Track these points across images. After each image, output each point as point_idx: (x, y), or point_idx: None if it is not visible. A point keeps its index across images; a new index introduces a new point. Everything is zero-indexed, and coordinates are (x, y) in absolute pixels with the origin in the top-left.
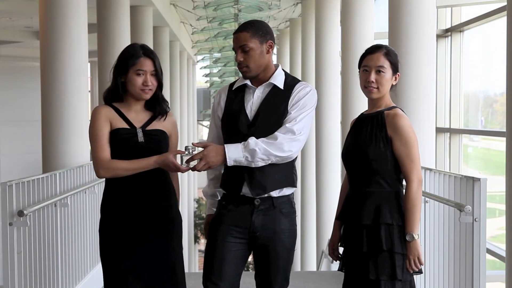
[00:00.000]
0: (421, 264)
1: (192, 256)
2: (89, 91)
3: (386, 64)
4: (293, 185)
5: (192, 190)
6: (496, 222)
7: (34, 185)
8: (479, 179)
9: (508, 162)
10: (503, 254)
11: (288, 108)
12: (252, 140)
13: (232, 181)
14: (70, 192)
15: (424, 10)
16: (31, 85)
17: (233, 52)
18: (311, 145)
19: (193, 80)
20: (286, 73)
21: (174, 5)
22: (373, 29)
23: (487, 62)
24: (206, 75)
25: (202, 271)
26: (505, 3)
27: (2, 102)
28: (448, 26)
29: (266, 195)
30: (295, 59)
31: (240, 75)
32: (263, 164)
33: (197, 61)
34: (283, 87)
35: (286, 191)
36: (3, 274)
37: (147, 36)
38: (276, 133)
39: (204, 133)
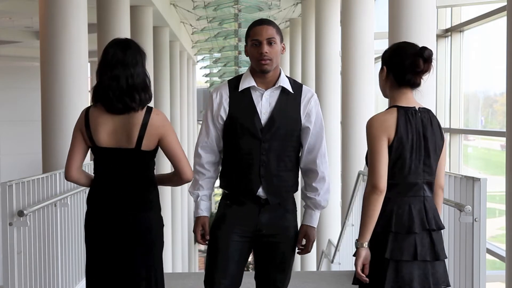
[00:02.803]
0: (359, 275)
1: (192, 256)
2: (89, 91)
3: None
4: (298, 188)
5: None
6: (496, 222)
7: (34, 185)
8: (479, 179)
9: (508, 162)
10: (503, 254)
11: (302, 117)
12: (322, 202)
13: (247, 183)
14: (70, 192)
15: (424, 10)
16: (31, 85)
17: (233, 52)
18: None
19: (193, 80)
20: (286, 75)
21: (174, 5)
22: (373, 29)
23: (487, 62)
24: (206, 75)
25: (202, 271)
26: (505, 3)
27: (2, 102)
28: (448, 26)
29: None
30: (295, 59)
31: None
32: None
33: (197, 61)
34: (292, 91)
35: None
36: (3, 274)
37: (147, 36)
38: (320, 173)
39: None
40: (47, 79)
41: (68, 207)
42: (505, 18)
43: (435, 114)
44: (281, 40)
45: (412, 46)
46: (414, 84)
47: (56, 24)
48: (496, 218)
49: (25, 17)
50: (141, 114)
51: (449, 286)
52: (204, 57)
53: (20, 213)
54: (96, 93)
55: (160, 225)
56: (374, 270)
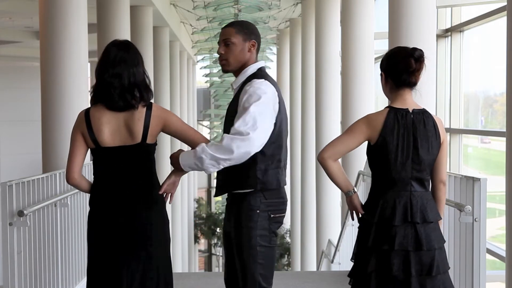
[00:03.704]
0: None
1: (192, 256)
2: (89, 91)
3: None
4: (255, 187)
5: (192, 190)
6: (496, 222)
7: (34, 185)
8: (479, 179)
9: (508, 162)
10: (503, 254)
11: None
12: (199, 147)
13: None
14: (70, 192)
15: (424, 10)
16: (31, 85)
17: None
18: (311, 145)
19: (193, 80)
20: (256, 72)
21: (174, 5)
22: (373, 29)
23: (487, 62)
24: (206, 75)
25: (202, 271)
26: (505, 3)
27: (2, 102)
28: (448, 26)
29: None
30: (295, 59)
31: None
32: (218, 169)
33: (197, 61)
34: (240, 87)
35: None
36: (3, 274)
37: (147, 36)
38: (224, 135)
39: (204, 133)
40: (47, 79)
41: (68, 207)
42: (505, 18)
43: (435, 114)
44: (245, 39)
45: (404, 49)
46: (410, 83)
47: (56, 24)
48: (496, 218)
49: (25, 17)
50: (143, 110)
51: (440, 273)
52: (204, 57)
53: (20, 213)
54: (97, 92)
55: (166, 221)
56: (360, 256)
